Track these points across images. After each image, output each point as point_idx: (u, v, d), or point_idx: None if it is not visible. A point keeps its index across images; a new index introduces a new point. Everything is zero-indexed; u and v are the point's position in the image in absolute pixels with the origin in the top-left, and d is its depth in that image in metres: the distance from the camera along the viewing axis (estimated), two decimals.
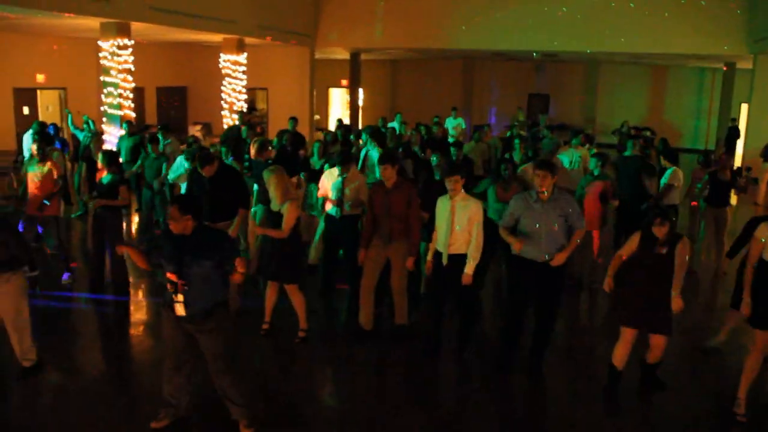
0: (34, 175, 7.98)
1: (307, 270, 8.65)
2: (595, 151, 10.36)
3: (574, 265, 8.60)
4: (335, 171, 7.43)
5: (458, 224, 5.92)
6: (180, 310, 4.56)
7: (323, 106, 28.05)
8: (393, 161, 6.40)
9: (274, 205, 6.30)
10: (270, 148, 9.22)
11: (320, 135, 14.10)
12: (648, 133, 24.40)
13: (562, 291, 5.97)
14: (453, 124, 17.14)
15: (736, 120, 22.02)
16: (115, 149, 11.31)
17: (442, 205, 6.07)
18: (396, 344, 6.60)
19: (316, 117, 24.18)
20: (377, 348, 6.58)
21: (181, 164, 9.14)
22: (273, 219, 6.35)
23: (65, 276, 8.31)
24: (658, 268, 5.30)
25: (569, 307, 8.14)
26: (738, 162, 19.96)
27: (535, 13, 18.18)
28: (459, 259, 5.99)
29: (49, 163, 8.02)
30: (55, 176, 8.07)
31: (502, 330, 6.24)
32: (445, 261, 6.03)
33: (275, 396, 5.68)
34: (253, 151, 8.87)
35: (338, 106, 28.34)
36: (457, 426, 5.23)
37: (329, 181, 7.55)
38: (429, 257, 6.24)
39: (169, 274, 4.57)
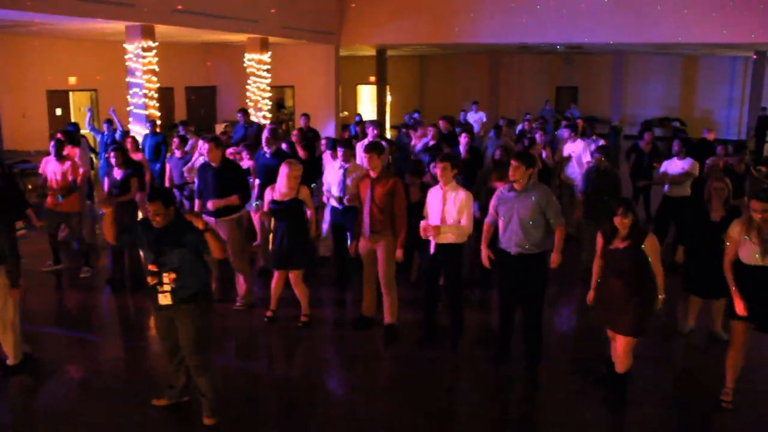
0: (53, 172, 8.37)
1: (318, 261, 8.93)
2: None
3: (582, 254, 8.66)
4: (336, 164, 7.65)
5: (448, 213, 6.03)
6: (164, 299, 4.73)
7: (352, 103, 28.28)
8: (379, 150, 6.47)
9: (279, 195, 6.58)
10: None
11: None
12: (678, 124, 24.22)
13: (542, 283, 5.91)
14: (474, 119, 17.21)
15: (766, 109, 21.62)
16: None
17: (433, 194, 6.18)
18: (388, 344, 6.61)
19: (344, 114, 24.43)
20: (375, 337, 6.74)
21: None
22: (281, 208, 6.59)
23: (84, 270, 8.67)
24: (619, 265, 5.16)
25: (573, 299, 8.22)
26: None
27: (559, 5, 18.12)
28: (448, 249, 6.11)
29: (68, 161, 8.42)
30: (78, 172, 8.45)
31: (499, 322, 6.26)
32: (432, 249, 6.16)
33: (274, 383, 5.94)
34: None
35: (367, 102, 28.55)
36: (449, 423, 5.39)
37: (333, 175, 7.77)
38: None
39: (150, 266, 4.74)
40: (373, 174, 6.47)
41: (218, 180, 7.08)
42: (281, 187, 6.58)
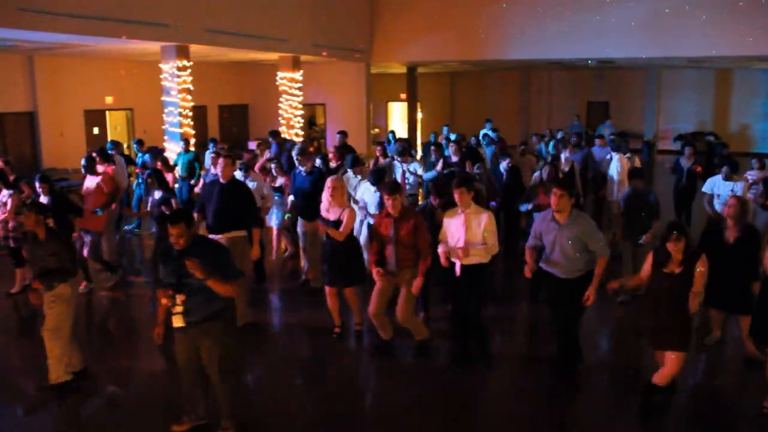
0: (87, 187, 8.66)
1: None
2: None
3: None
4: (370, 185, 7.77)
5: (474, 236, 6.02)
6: (178, 321, 4.66)
7: (383, 119, 28.45)
8: (400, 190, 6.35)
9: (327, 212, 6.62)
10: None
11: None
12: (713, 138, 23.92)
13: (583, 308, 5.83)
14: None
15: None
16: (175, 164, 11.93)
17: (453, 218, 6.14)
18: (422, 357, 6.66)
19: (375, 130, 24.58)
20: (406, 356, 6.74)
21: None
22: (329, 225, 6.62)
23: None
24: (671, 286, 5.10)
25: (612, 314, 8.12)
26: None
27: (589, 21, 18.08)
28: (474, 269, 6.10)
29: (101, 174, 8.69)
30: (110, 184, 8.66)
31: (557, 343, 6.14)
32: (458, 271, 6.15)
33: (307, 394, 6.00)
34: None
35: (398, 119, 28.69)
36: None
37: (369, 195, 7.84)
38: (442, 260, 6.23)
39: (168, 289, 4.67)
40: (394, 213, 6.27)
41: (222, 197, 7.06)
42: (326, 202, 6.63)
